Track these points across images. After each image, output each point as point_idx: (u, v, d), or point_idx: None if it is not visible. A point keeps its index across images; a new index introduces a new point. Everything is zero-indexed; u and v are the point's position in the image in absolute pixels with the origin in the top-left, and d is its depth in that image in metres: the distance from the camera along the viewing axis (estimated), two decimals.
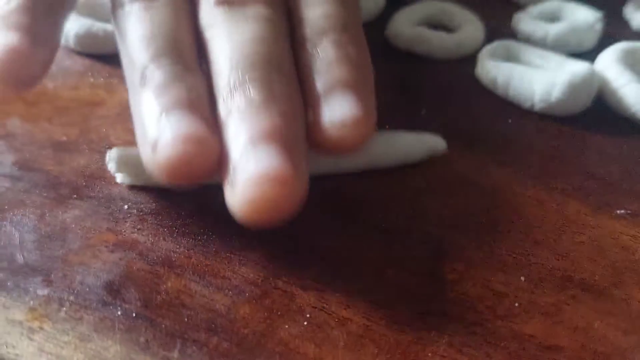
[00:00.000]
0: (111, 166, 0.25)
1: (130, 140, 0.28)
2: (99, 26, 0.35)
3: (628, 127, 0.31)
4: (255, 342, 0.20)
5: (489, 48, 0.34)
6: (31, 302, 0.21)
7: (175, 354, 0.19)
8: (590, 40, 0.36)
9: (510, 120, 0.31)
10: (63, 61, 0.35)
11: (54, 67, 0.34)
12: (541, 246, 0.24)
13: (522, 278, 0.22)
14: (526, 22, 0.37)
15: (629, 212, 0.26)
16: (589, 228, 0.25)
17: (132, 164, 0.25)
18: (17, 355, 0.19)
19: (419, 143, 0.27)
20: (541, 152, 0.29)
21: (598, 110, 0.32)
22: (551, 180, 0.27)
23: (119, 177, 0.25)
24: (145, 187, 0.25)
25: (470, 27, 0.37)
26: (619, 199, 0.26)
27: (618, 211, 0.26)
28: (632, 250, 0.24)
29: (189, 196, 0.25)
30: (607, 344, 0.20)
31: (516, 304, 0.21)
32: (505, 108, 0.32)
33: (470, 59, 0.35)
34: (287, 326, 0.20)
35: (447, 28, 0.38)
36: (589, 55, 0.34)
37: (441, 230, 0.24)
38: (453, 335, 0.20)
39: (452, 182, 0.27)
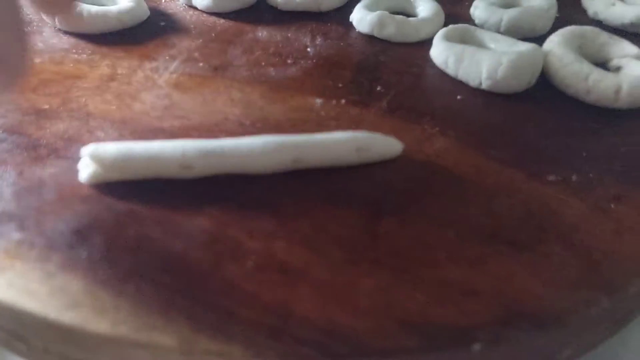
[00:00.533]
0: (83, 161, 0.26)
1: (106, 109, 0.31)
2: (83, 7, 0.38)
3: (570, 104, 0.33)
4: (202, 280, 0.22)
5: (444, 30, 0.36)
6: (5, 244, 0.23)
7: (131, 288, 0.21)
8: (543, 25, 0.38)
9: (459, 97, 0.33)
10: (50, 39, 0.38)
11: (41, 44, 0.37)
12: (474, 207, 0.26)
13: (451, 233, 0.25)
14: (483, 8, 0.39)
15: (559, 178, 0.28)
16: (521, 192, 0.27)
17: (104, 158, 0.26)
18: None
19: (350, 143, 0.28)
20: (484, 125, 0.31)
21: (543, 89, 0.34)
22: (490, 149, 0.29)
23: (85, 174, 0.26)
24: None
25: (431, 12, 0.39)
26: (552, 167, 0.28)
27: (549, 177, 0.28)
28: (559, 213, 0.26)
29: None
30: (525, 292, 0.22)
31: (444, 256, 0.24)
32: (456, 86, 0.34)
33: (428, 43, 0.37)
34: (232, 268, 0.22)
35: (409, 14, 0.40)
36: (543, 39, 0.36)
37: (380, 193, 0.27)
38: (381, 279, 0.22)
39: None
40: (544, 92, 0.34)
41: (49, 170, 0.27)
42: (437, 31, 0.37)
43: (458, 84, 0.34)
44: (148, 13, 0.41)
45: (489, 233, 0.25)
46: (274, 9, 0.43)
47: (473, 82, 0.33)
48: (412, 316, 0.21)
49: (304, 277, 0.22)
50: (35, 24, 0.40)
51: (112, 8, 0.39)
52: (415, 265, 0.23)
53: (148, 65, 0.35)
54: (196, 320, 0.20)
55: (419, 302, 0.22)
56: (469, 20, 0.40)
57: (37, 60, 0.35)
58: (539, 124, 0.31)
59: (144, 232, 0.24)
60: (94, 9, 0.38)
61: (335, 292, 0.22)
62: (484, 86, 0.33)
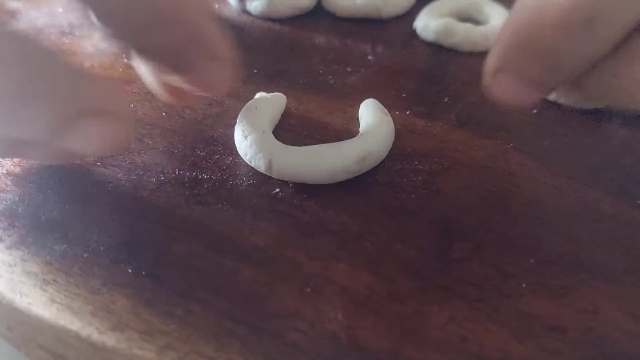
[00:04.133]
0: None
1: (156, 116, 0.30)
2: None
3: None
4: (256, 304, 0.20)
5: None
6: (48, 257, 0.22)
7: (180, 311, 0.20)
8: None
9: (534, 111, 0.31)
10: (100, 44, 0.37)
11: (91, 48, 0.36)
12: (554, 231, 0.23)
13: (532, 260, 0.22)
14: None
15: None
16: (606, 216, 0.24)
17: None
18: (29, 303, 0.20)
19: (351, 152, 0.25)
20: (563, 142, 0.29)
21: None
22: (570, 168, 0.27)
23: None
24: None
25: (500, 19, 0.37)
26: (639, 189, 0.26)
27: (638, 201, 0.25)
28: None
29: (210, 167, 0.26)
30: (615, 329, 0.20)
31: (523, 285, 0.21)
32: None
33: None
34: (289, 291, 0.20)
35: (476, 21, 0.38)
36: None
37: (452, 212, 0.24)
38: (454, 310, 0.20)
39: (469, 166, 0.27)
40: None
41: (94, 179, 0.25)
42: None
43: None
44: None
45: (572, 261, 0.22)
46: (331, 16, 0.41)
47: (549, 96, 0.31)
48: (488, 352, 0.19)
49: (367, 304, 0.20)
50: (85, 27, 0.39)
51: None
52: (491, 295, 0.21)
53: None
54: (250, 349, 0.19)
55: (496, 336, 0.19)
56: None
57: (87, 64, 0.34)
58: (623, 142, 0.29)
59: (194, 248, 0.22)
60: None
61: (402, 323, 0.20)
62: (561, 100, 0.31)
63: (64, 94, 0.18)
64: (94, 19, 0.20)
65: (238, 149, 0.26)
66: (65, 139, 0.19)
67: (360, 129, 0.28)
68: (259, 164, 0.25)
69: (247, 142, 0.26)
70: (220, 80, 0.22)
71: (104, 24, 0.21)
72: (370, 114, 0.28)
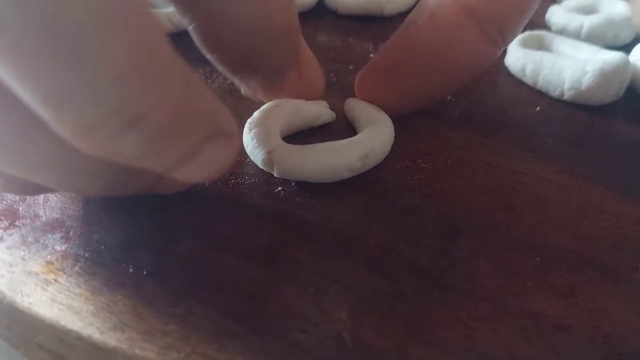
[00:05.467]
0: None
1: None
2: None
3: None
4: (259, 304, 0.20)
5: (520, 37, 0.34)
6: (48, 257, 0.21)
7: (181, 311, 0.19)
8: (627, 34, 0.36)
9: (538, 108, 0.30)
10: None
11: None
12: (560, 229, 0.23)
13: (538, 259, 0.22)
14: (560, 14, 0.36)
15: None
16: (612, 214, 0.24)
17: None
18: (30, 303, 0.20)
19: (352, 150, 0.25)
20: (568, 139, 0.28)
21: (630, 101, 0.31)
22: (576, 166, 0.26)
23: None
24: None
25: None
26: None
27: None
28: None
29: None
30: (623, 328, 0.19)
31: (529, 283, 0.21)
32: (534, 96, 0.31)
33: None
34: (292, 291, 0.20)
35: None
36: (626, 49, 0.33)
37: (457, 210, 0.24)
38: (459, 310, 0.20)
39: (473, 164, 0.26)
40: (629, 104, 0.31)
41: None
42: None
43: (537, 94, 0.32)
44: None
45: (578, 259, 0.22)
46: (333, 13, 0.41)
47: (554, 93, 0.31)
48: (494, 352, 0.18)
49: (371, 303, 0.20)
50: None
51: (163, 10, 0.37)
52: (497, 294, 0.20)
53: (202, 70, 0.34)
54: (252, 350, 0.18)
55: (502, 336, 0.19)
56: (544, 27, 0.38)
57: None
58: (628, 140, 0.28)
59: (195, 247, 0.22)
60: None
61: (406, 322, 0.19)
62: (566, 97, 0.30)
63: (203, 119, 0.17)
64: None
65: (244, 141, 0.26)
66: (186, 168, 0.17)
67: (357, 126, 0.28)
68: (257, 159, 0.25)
69: (250, 135, 0.25)
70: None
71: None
72: (364, 111, 0.28)
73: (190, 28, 0.23)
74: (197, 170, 0.17)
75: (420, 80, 0.26)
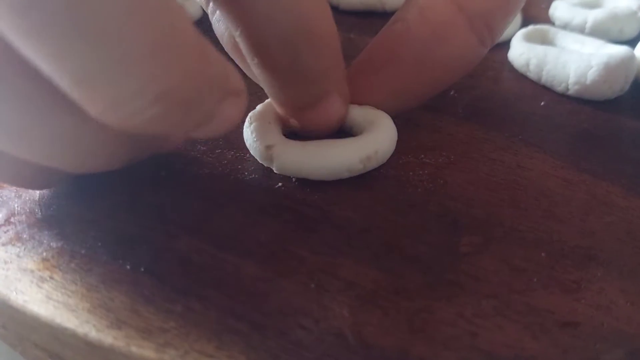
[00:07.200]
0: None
1: None
2: None
3: None
4: (259, 301, 0.19)
5: (523, 31, 0.33)
6: (44, 254, 0.21)
7: (179, 308, 0.19)
8: (632, 28, 0.35)
9: (542, 103, 0.30)
10: None
11: None
12: (566, 224, 0.23)
13: (543, 254, 0.21)
14: (564, 8, 0.36)
15: None
16: (619, 209, 0.24)
17: None
18: (25, 301, 0.19)
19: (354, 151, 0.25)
20: (572, 134, 0.28)
21: (635, 96, 0.30)
22: (581, 161, 0.26)
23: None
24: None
25: None
26: None
27: None
28: None
29: (212, 162, 0.25)
30: (632, 324, 0.19)
31: (534, 279, 0.20)
32: (538, 91, 0.31)
33: (505, 45, 0.34)
34: (293, 288, 0.20)
35: None
36: (631, 44, 0.33)
37: (460, 205, 0.24)
38: (464, 306, 0.19)
39: (476, 159, 0.26)
40: (637, 99, 0.30)
41: (94, 175, 0.25)
42: (514, 32, 0.35)
43: (541, 89, 0.31)
44: (201, 13, 0.40)
45: (584, 255, 0.22)
46: (334, 9, 0.41)
47: (558, 87, 0.30)
48: (499, 349, 0.18)
49: (373, 300, 0.19)
50: None
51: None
52: (502, 291, 0.20)
53: None
54: (252, 347, 0.18)
55: (508, 333, 0.19)
56: (548, 21, 0.37)
57: None
58: (633, 134, 0.28)
59: (194, 244, 0.21)
60: None
61: (409, 319, 0.19)
62: (570, 92, 0.30)
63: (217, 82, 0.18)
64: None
65: (244, 135, 0.26)
66: (201, 129, 0.19)
67: (356, 131, 0.27)
68: (256, 153, 0.25)
69: (249, 129, 0.25)
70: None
71: None
72: (358, 115, 0.27)
73: (236, 34, 0.23)
74: (211, 130, 0.19)
75: (410, 78, 0.26)
